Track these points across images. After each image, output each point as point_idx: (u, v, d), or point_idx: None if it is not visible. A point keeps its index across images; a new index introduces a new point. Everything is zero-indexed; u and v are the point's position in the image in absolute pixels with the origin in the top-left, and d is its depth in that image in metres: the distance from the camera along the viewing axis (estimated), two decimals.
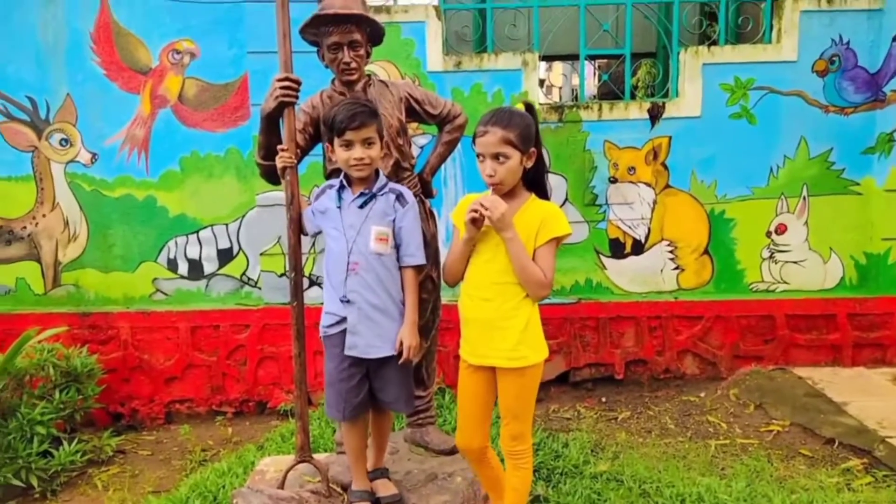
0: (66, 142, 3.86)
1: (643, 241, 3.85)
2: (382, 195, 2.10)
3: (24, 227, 3.91)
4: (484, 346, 1.93)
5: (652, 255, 3.87)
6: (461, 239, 1.92)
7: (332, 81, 2.33)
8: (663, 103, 3.73)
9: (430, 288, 2.41)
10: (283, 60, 2.12)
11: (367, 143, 2.02)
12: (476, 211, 1.82)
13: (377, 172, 2.13)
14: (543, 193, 2.00)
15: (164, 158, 3.86)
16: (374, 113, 2.04)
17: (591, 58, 4.00)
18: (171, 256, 3.93)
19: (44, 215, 3.91)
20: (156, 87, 3.84)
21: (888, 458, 2.86)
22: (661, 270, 3.88)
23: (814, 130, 3.75)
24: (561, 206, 3.78)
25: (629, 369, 3.90)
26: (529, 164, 1.90)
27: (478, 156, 1.87)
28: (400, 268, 2.12)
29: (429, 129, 3.59)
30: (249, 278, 3.93)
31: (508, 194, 1.89)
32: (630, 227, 3.85)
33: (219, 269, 3.94)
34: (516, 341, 1.89)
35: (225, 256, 3.93)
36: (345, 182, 2.12)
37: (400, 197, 2.11)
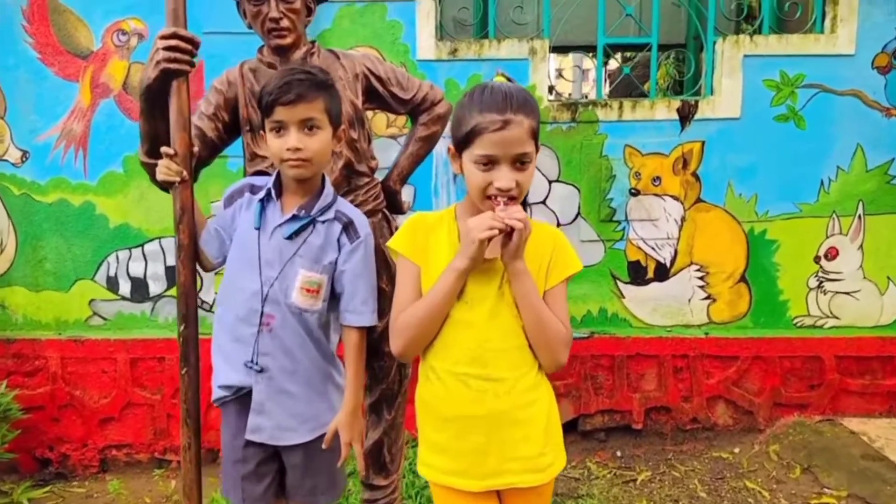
0: None
1: (668, 264, 3.43)
2: (324, 222, 1.65)
3: None
4: (494, 459, 1.41)
5: (679, 281, 3.44)
6: (454, 272, 1.39)
7: (260, 50, 1.87)
8: (696, 102, 3.30)
9: None
10: (170, 8, 1.61)
11: (308, 126, 1.56)
12: (498, 226, 1.33)
13: (323, 181, 1.65)
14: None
15: (105, 158, 3.43)
16: (321, 84, 1.58)
17: (611, 48, 3.54)
18: (111, 274, 3.50)
19: None
20: (97, 74, 3.42)
21: None
22: (690, 300, 3.45)
23: (873, 137, 3.33)
24: (571, 221, 3.39)
25: (650, 418, 3.46)
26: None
27: (481, 162, 1.38)
28: (341, 325, 1.66)
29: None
30: (203, 301, 3.49)
31: None
32: (654, 249, 3.42)
33: (167, 289, 3.50)
34: (541, 443, 1.42)
35: (174, 275, 3.47)
36: (273, 191, 1.63)
37: (349, 228, 1.66)
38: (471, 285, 1.44)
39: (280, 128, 1.55)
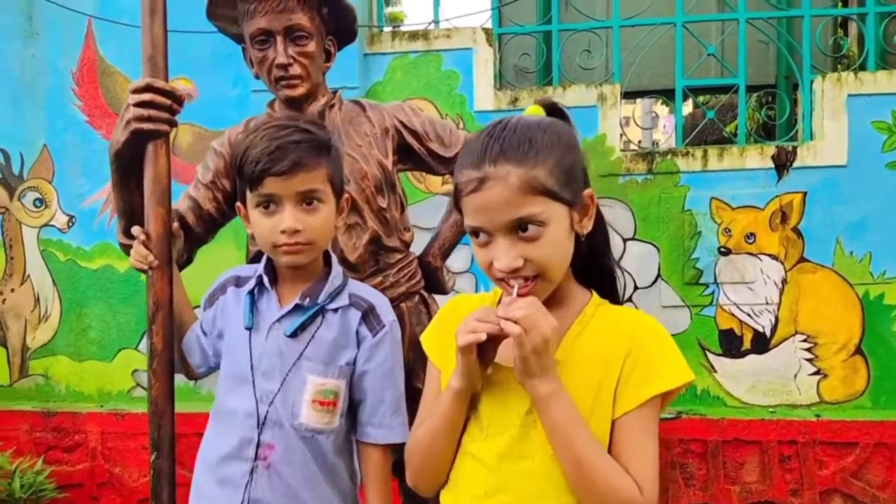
0: (40, 202, 3.40)
1: (769, 334, 3.04)
2: (337, 310, 1.32)
3: None
4: None
5: (781, 354, 3.03)
6: (449, 391, 1.03)
7: (270, 105, 1.63)
8: (793, 148, 2.94)
9: None
10: (147, 54, 1.38)
11: (307, 200, 1.25)
12: (482, 328, 0.96)
13: (327, 259, 1.37)
14: (613, 286, 1.13)
15: None
16: (323, 145, 1.28)
17: (690, 92, 3.24)
18: None
19: (12, 290, 3.44)
20: None
21: None
22: (795, 376, 3.03)
23: None
24: (651, 285, 3.03)
25: None
26: (588, 226, 1.03)
27: (473, 233, 1.01)
28: (358, 443, 1.34)
29: None
30: None
31: (547, 299, 1.01)
32: (750, 315, 3.03)
33: None
34: None
35: None
36: (266, 278, 1.33)
37: (370, 315, 1.33)
38: (486, 404, 1.05)
39: (270, 203, 1.24)
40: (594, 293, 1.10)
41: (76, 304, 3.39)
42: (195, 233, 1.52)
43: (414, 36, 3.13)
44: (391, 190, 1.57)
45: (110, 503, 3.30)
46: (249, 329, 1.29)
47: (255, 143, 1.24)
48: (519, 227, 0.97)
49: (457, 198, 1.02)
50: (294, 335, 1.28)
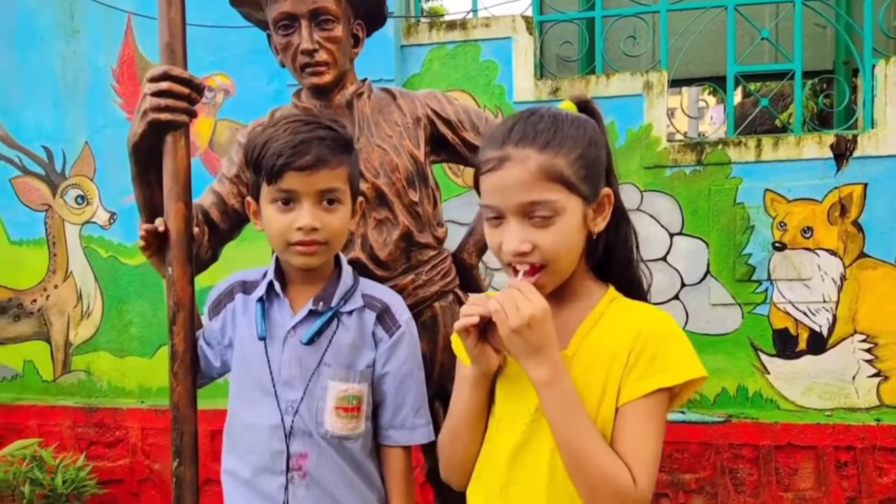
0: (82, 199, 3.44)
1: (826, 334, 2.91)
2: (351, 313, 1.28)
3: (35, 301, 3.51)
4: None
5: (839, 354, 2.90)
6: (463, 380, 1.09)
7: (296, 94, 1.57)
8: (853, 137, 2.79)
9: None
10: (164, 42, 1.32)
11: (328, 199, 1.22)
12: (472, 312, 0.99)
13: (337, 262, 1.33)
14: (633, 285, 1.13)
15: None
16: (347, 144, 1.25)
17: (743, 79, 3.10)
18: None
19: (56, 286, 3.50)
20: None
21: None
22: (854, 378, 2.90)
23: None
24: (700, 282, 2.92)
25: None
26: (601, 225, 1.05)
27: (487, 216, 1.03)
28: (379, 446, 1.31)
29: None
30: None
31: (560, 293, 1.05)
32: (806, 314, 2.91)
33: None
34: None
35: None
36: (276, 282, 1.29)
37: (385, 316, 1.30)
38: (501, 398, 1.08)
39: (289, 200, 1.21)
40: (610, 288, 1.11)
41: (118, 301, 3.43)
42: (220, 229, 1.48)
43: (451, 26, 3.06)
44: (423, 183, 1.50)
45: (150, 499, 3.33)
46: (263, 339, 1.26)
47: (276, 136, 1.20)
48: (531, 212, 0.99)
49: (476, 177, 1.04)
50: (311, 342, 1.25)
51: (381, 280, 1.45)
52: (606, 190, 1.05)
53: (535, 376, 0.97)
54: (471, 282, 1.62)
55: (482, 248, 1.61)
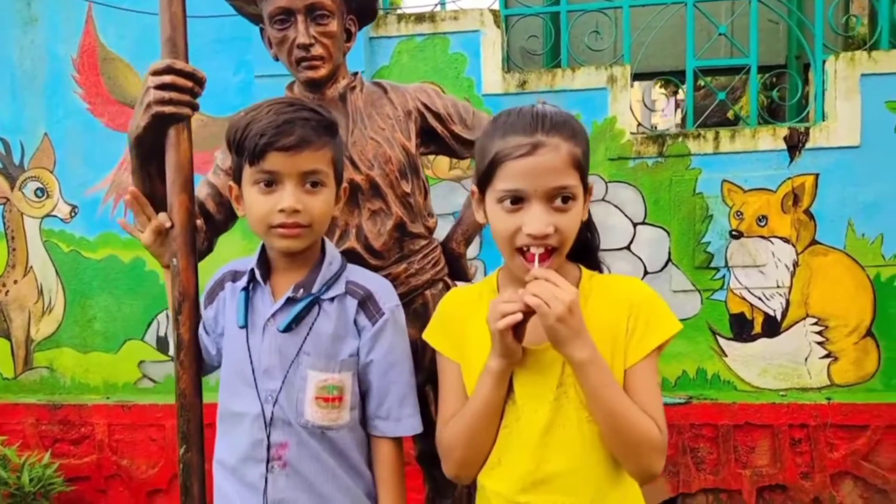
0: (41, 192, 3.36)
1: (779, 317, 3.01)
2: (333, 300, 1.26)
3: None
4: None
5: (792, 337, 3.00)
6: (490, 375, 1.09)
7: (289, 87, 1.58)
8: (806, 129, 2.90)
9: None
10: (166, 35, 1.32)
11: (311, 182, 1.20)
12: (513, 309, 1.02)
13: (322, 247, 1.31)
14: (596, 263, 1.24)
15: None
16: (330, 127, 1.24)
17: (701, 73, 3.19)
18: (161, 334, 3.33)
19: (15, 282, 3.41)
20: None
21: None
22: (806, 359, 3.01)
23: None
24: (661, 269, 3.03)
25: (762, 497, 3.01)
26: (585, 214, 1.14)
27: (507, 199, 1.06)
28: (369, 436, 1.30)
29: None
30: None
31: None
32: (761, 299, 3.01)
33: None
34: None
35: None
36: (257, 270, 1.28)
37: (367, 303, 1.28)
38: (519, 385, 1.11)
39: (271, 181, 1.19)
40: (581, 267, 1.20)
41: (80, 296, 3.36)
42: (215, 220, 1.49)
43: (420, 18, 3.07)
44: (415, 174, 1.54)
45: (118, 496, 3.29)
46: (244, 328, 1.25)
47: (259, 118, 1.18)
48: (555, 197, 1.05)
49: (493, 164, 1.06)
50: (289, 330, 1.23)
51: (375, 269, 1.46)
52: (591, 181, 1.13)
53: (577, 357, 1.02)
54: (459, 270, 1.66)
55: (469, 238, 1.66)
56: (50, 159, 3.34)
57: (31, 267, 3.39)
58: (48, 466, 3.03)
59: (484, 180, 1.10)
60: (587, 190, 1.11)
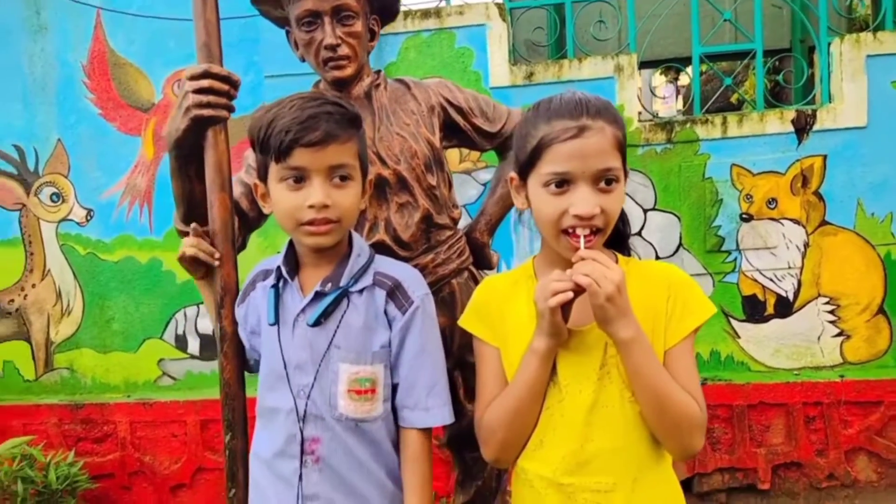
0: (57, 197, 3.40)
1: (792, 298, 3.04)
2: (362, 292, 1.26)
3: (12, 301, 3.46)
4: None
5: (805, 317, 3.03)
6: (535, 356, 1.10)
7: (315, 86, 1.61)
8: (813, 112, 2.92)
9: None
10: (201, 41, 1.35)
11: (340, 176, 1.20)
12: (564, 287, 1.03)
13: (350, 240, 1.31)
14: (627, 250, 1.27)
15: (171, 212, 3.32)
16: (355, 120, 1.23)
17: (708, 59, 3.20)
18: (180, 332, 3.37)
19: (33, 285, 3.45)
20: (159, 127, 3.34)
21: None
22: (819, 338, 3.04)
23: None
24: (673, 254, 3.06)
25: (777, 475, 3.03)
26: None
27: (553, 182, 1.08)
28: (397, 428, 1.29)
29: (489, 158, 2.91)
30: None
31: None
32: (772, 280, 3.04)
33: None
34: None
35: None
36: (284, 269, 1.28)
37: (396, 293, 1.27)
38: (562, 366, 1.13)
39: (299, 178, 1.17)
40: (616, 253, 1.22)
41: (98, 297, 3.40)
42: (248, 217, 1.52)
43: (426, 14, 3.10)
44: (440, 167, 1.57)
45: (142, 492, 3.33)
46: (274, 325, 1.25)
47: (282, 114, 1.17)
48: (601, 178, 1.07)
49: (539, 148, 1.09)
50: (318, 324, 1.22)
51: (404, 260, 1.47)
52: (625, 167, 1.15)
53: (623, 336, 1.05)
54: (482, 259, 1.69)
55: (493, 227, 1.70)
56: (64, 165, 3.37)
57: (49, 270, 3.43)
58: (73, 465, 3.07)
59: (527, 165, 1.12)
60: (626, 174, 1.13)
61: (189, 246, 1.33)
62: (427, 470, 1.28)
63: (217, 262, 1.33)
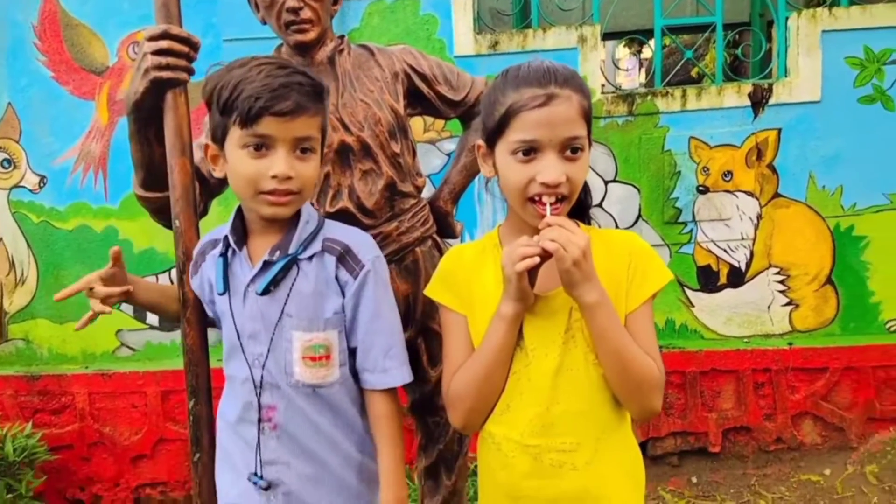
0: (8, 163, 3.29)
1: (744, 268, 3.12)
2: (311, 258, 1.24)
3: None
4: None
5: (756, 287, 3.12)
6: (502, 320, 1.12)
7: (277, 49, 1.58)
8: (769, 86, 2.97)
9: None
10: (160, 2, 1.31)
11: (302, 148, 1.19)
12: (532, 252, 1.05)
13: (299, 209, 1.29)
14: (588, 220, 1.28)
15: (127, 179, 3.10)
16: (322, 94, 1.22)
17: (669, 31, 3.22)
18: None
19: None
20: (114, 91, 3.24)
21: None
22: (769, 307, 3.13)
23: None
24: (632, 225, 3.11)
25: (728, 439, 3.14)
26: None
27: (520, 150, 1.09)
28: (360, 390, 1.29)
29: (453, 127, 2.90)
30: None
31: None
32: (726, 251, 3.11)
33: None
34: None
35: None
36: (232, 238, 1.26)
37: (346, 258, 1.25)
38: (528, 331, 1.15)
39: (261, 145, 1.15)
40: (578, 222, 1.21)
41: (53, 266, 3.32)
42: (210, 183, 1.50)
43: None
44: (404, 135, 1.56)
45: (102, 463, 3.29)
46: (224, 294, 1.25)
47: (250, 78, 1.14)
48: (567, 146, 1.09)
49: (507, 116, 1.09)
50: (267, 292, 1.22)
51: (367, 228, 1.48)
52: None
53: (588, 300, 1.07)
54: (446, 228, 1.70)
55: (456, 196, 1.70)
56: (15, 129, 3.26)
57: (1, 239, 3.33)
58: (31, 437, 3.03)
59: (495, 133, 1.13)
60: (590, 143, 1.15)
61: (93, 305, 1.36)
62: (395, 427, 1.29)
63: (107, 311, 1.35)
